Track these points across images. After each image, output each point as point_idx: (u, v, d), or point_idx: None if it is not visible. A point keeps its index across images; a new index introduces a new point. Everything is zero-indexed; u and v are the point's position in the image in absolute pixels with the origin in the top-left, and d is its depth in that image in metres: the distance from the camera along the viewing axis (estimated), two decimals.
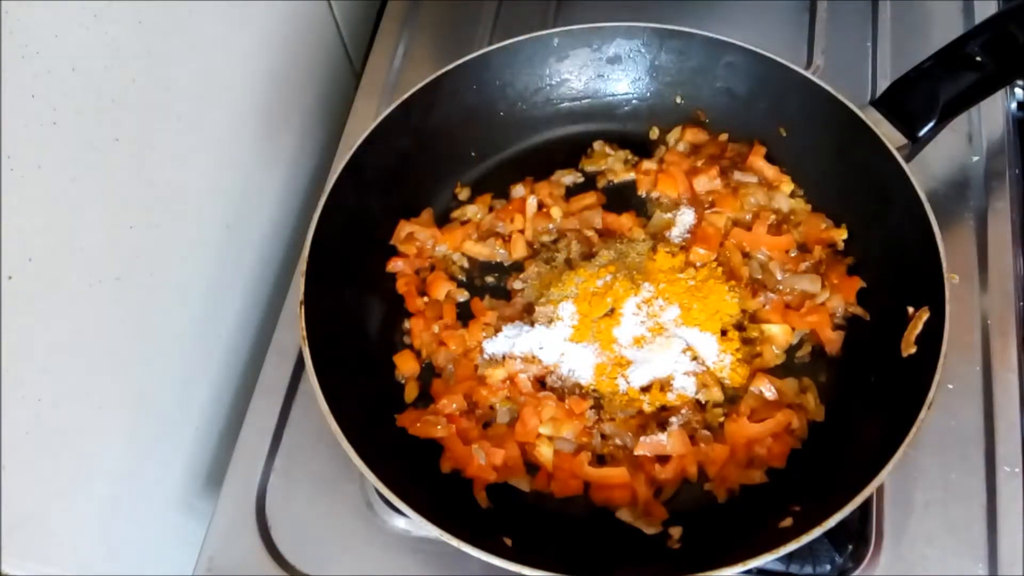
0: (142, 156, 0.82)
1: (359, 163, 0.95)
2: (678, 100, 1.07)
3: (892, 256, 0.91)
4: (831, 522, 0.72)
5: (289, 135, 1.14)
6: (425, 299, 0.98)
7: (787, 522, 0.77)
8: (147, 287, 0.86)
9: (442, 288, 0.97)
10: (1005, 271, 0.96)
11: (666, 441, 0.85)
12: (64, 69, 0.70)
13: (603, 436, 0.88)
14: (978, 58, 0.90)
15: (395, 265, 0.99)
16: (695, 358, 0.91)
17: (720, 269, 0.96)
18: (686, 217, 1.00)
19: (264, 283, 1.11)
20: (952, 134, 1.05)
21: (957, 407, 0.89)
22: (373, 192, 0.98)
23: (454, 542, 0.73)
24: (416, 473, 0.85)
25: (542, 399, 0.88)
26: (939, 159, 1.04)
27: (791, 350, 0.92)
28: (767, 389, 0.88)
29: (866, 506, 0.85)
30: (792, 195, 1.00)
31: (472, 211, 1.03)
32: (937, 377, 0.78)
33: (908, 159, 0.91)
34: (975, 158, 1.05)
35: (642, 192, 1.04)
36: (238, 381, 1.07)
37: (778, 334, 0.92)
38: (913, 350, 0.83)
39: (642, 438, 0.85)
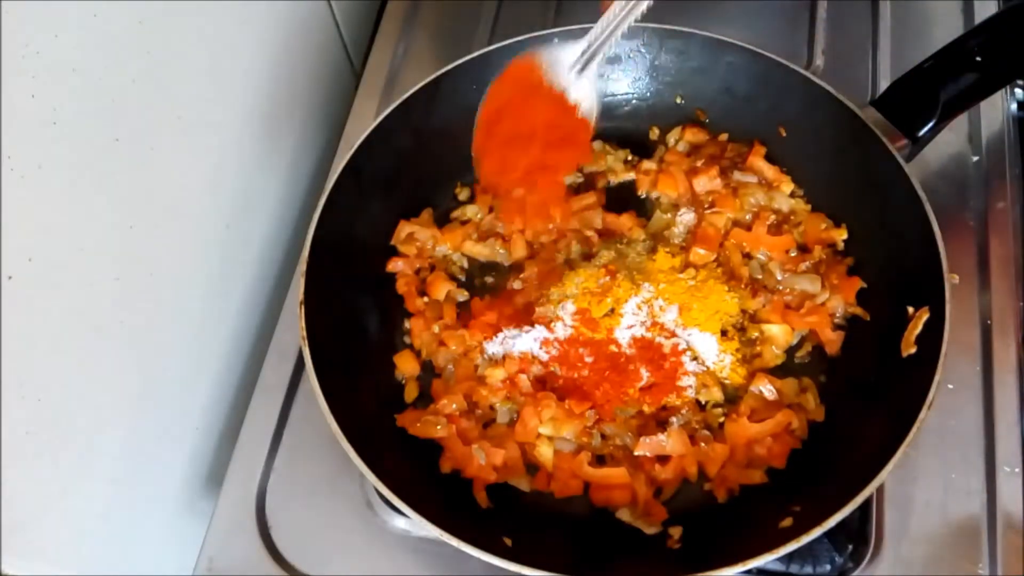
0: (142, 156, 0.82)
1: (359, 163, 0.95)
2: (678, 100, 1.07)
3: (892, 256, 0.91)
4: (831, 522, 0.72)
5: (289, 135, 1.14)
6: (425, 299, 0.98)
7: (787, 522, 0.77)
8: (147, 287, 0.86)
9: (442, 288, 0.97)
10: (1005, 271, 0.96)
11: (666, 441, 0.85)
12: (64, 69, 0.70)
13: (603, 436, 0.88)
14: (978, 58, 0.90)
15: (395, 265, 0.99)
16: (695, 358, 0.91)
17: (720, 269, 0.96)
18: (686, 217, 1.00)
19: (264, 283, 1.11)
20: (952, 134, 1.05)
21: (957, 407, 0.89)
22: (373, 192, 0.98)
23: (454, 542, 0.74)
24: (416, 473, 0.85)
25: (542, 399, 0.88)
26: (939, 159, 1.04)
27: (791, 350, 0.93)
28: (767, 389, 0.89)
29: (866, 506, 0.85)
30: (792, 195, 1.00)
31: (472, 211, 1.03)
32: (937, 377, 0.78)
33: (908, 159, 0.91)
34: (975, 158, 1.05)
35: (642, 192, 1.04)
36: (238, 381, 1.07)
37: (778, 334, 0.92)
38: (913, 350, 0.83)
39: (642, 438, 0.85)
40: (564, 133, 0.79)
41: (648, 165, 1.04)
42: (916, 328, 0.84)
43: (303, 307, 0.85)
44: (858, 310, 0.92)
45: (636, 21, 0.76)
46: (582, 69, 0.76)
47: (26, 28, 0.65)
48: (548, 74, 0.76)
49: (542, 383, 0.91)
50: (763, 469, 0.85)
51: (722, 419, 0.88)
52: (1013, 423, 0.88)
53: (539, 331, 0.92)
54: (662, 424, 0.88)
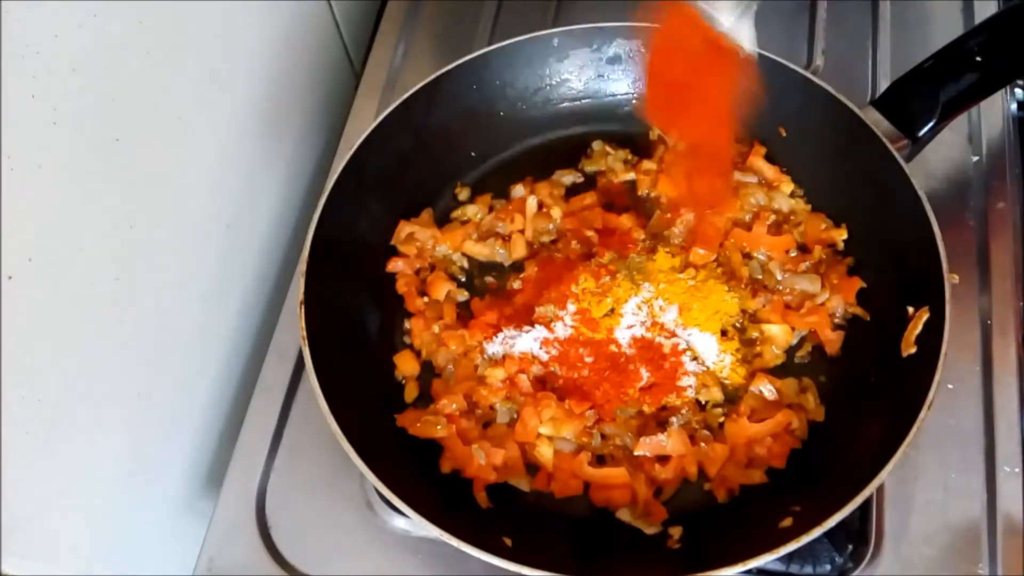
0: (142, 156, 0.82)
1: (359, 163, 0.95)
2: None
3: (892, 256, 0.91)
4: (831, 522, 0.72)
5: (289, 135, 1.14)
6: (425, 299, 0.98)
7: (787, 522, 0.77)
8: (147, 287, 0.86)
9: (442, 288, 0.97)
10: (1005, 271, 0.96)
11: (666, 441, 0.85)
12: (64, 69, 0.70)
13: (603, 436, 0.88)
14: (978, 58, 0.90)
15: (395, 265, 0.99)
16: (695, 358, 0.91)
17: (720, 269, 0.96)
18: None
19: (264, 283, 1.11)
20: (952, 134, 1.05)
21: (957, 407, 0.89)
22: (373, 192, 0.98)
23: (454, 542, 0.74)
24: (416, 473, 0.85)
25: (542, 399, 0.88)
26: (939, 159, 1.04)
27: (791, 350, 0.93)
28: (767, 389, 0.88)
29: (866, 506, 0.85)
30: (792, 195, 1.00)
31: (472, 211, 1.03)
32: (937, 377, 0.78)
33: (908, 159, 0.91)
34: (975, 158, 1.05)
35: (642, 192, 1.04)
36: (238, 381, 1.07)
37: (778, 334, 0.92)
38: (913, 350, 0.83)
39: (642, 438, 0.85)
40: (727, 76, 0.79)
41: (648, 165, 1.04)
42: (916, 328, 0.84)
43: (303, 307, 0.85)
44: (858, 310, 0.92)
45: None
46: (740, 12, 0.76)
47: (26, 28, 0.65)
48: (706, 19, 0.76)
49: (542, 383, 0.91)
50: (763, 469, 0.85)
51: (722, 419, 0.88)
52: (1013, 423, 0.88)
53: (539, 331, 0.92)
54: (662, 424, 0.88)
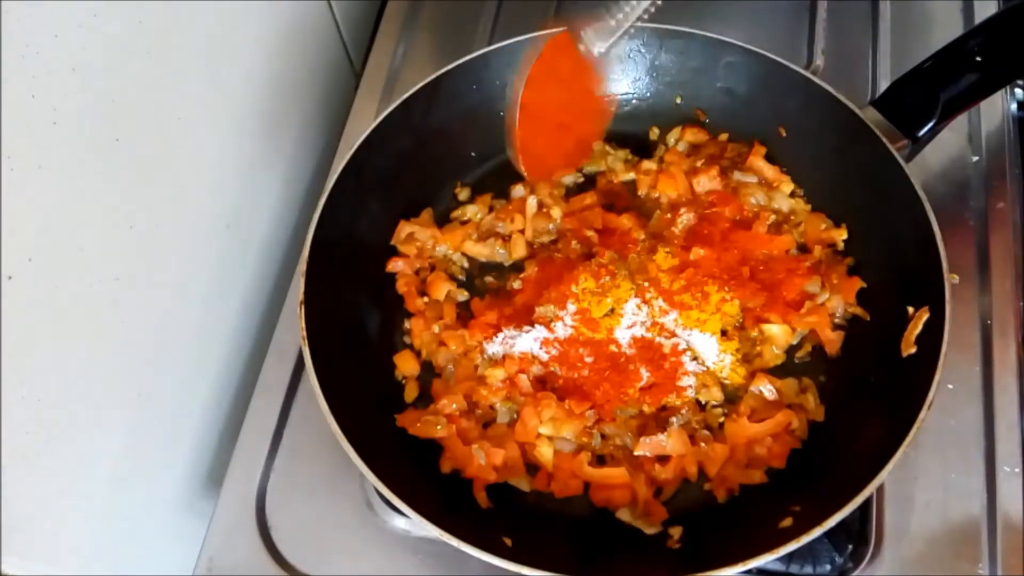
0: (142, 156, 0.82)
1: (359, 163, 0.95)
2: (678, 100, 1.07)
3: (892, 256, 0.91)
4: (831, 522, 0.72)
5: (289, 135, 1.14)
6: (425, 299, 0.98)
7: (787, 522, 0.77)
8: (147, 287, 0.86)
9: (442, 288, 0.97)
10: (1005, 271, 0.96)
11: (666, 441, 0.85)
12: (64, 69, 0.70)
13: (603, 436, 0.88)
14: (978, 58, 0.90)
15: (395, 265, 0.99)
16: (695, 358, 0.91)
17: (720, 269, 0.96)
18: (686, 217, 1.00)
19: (264, 283, 1.11)
20: (952, 134, 1.05)
21: (957, 407, 0.89)
22: (373, 192, 0.98)
23: (454, 542, 0.74)
24: (416, 473, 0.85)
25: (542, 399, 0.88)
26: (939, 159, 1.04)
27: (791, 350, 0.93)
28: (767, 389, 0.88)
29: (866, 506, 0.85)
30: (792, 195, 1.00)
31: (472, 211, 1.03)
32: (937, 377, 0.78)
33: (908, 159, 0.91)
34: (975, 158, 1.05)
35: (642, 192, 1.04)
36: (238, 381, 1.07)
37: (778, 334, 0.92)
38: (913, 350, 0.83)
39: (642, 438, 0.86)
40: (594, 109, 0.83)
41: (648, 165, 1.04)
42: (916, 328, 0.84)
43: (303, 307, 0.85)
44: (858, 310, 0.92)
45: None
46: (608, 47, 0.79)
47: (26, 28, 0.65)
48: (583, 54, 0.77)
49: (542, 383, 0.91)
50: (763, 469, 0.85)
51: (722, 419, 0.88)
52: (1013, 423, 0.88)
53: (539, 331, 0.92)
54: (662, 424, 0.88)
